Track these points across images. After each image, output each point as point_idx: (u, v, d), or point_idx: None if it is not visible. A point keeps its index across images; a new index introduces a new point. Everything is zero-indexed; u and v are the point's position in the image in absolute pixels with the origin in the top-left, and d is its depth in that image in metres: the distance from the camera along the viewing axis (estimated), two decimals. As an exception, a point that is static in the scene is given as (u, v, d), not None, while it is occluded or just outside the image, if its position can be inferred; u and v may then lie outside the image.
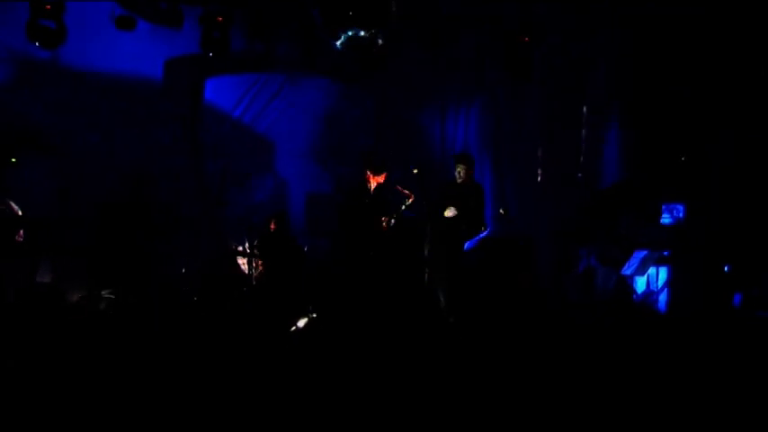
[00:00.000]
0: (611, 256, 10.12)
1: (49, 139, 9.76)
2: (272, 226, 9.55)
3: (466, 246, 9.25)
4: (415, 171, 8.90)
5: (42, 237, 8.67)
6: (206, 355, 6.68)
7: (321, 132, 11.17)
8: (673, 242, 10.30)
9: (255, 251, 9.33)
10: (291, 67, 10.84)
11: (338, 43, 8.53)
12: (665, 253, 10.24)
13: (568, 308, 10.12)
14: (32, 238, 8.51)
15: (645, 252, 9.90)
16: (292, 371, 6.24)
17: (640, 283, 10.35)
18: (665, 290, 10.28)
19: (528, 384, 5.88)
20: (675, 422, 5.08)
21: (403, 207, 8.91)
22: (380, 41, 8.70)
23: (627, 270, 9.92)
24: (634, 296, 10.10)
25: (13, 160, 9.10)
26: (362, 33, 8.41)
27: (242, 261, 9.52)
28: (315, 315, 8.49)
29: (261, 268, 9.31)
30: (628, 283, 10.09)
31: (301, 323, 8.29)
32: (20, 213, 8.50)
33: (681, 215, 10.48)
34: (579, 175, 11.49)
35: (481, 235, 9.24)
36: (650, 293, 10.26)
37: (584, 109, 11.67)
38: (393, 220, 8.93)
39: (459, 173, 9.21)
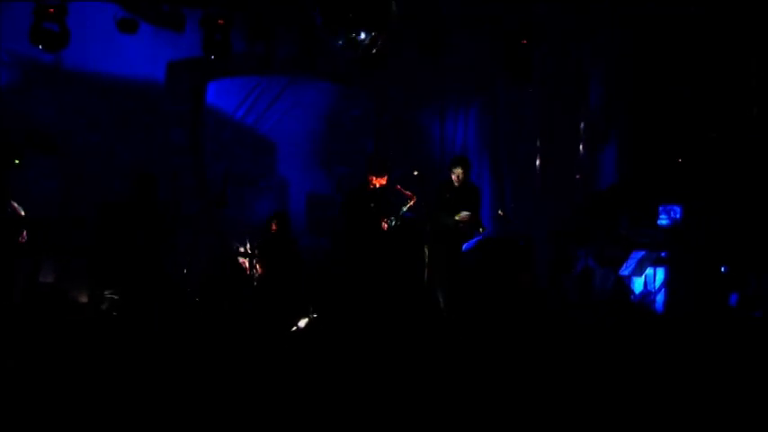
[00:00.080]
0: (609, 256, 10.16)
1: (52, 140, 9.84)
2: (274, 227, 9.56)
3: (464, 247, 9.27)
4: (416, 173, 8.96)
5: (45, 237, 8.75)
6: (208, 355, 6.68)
7: (322, 133, 11.23)
8: (670, 243, 10.28)
9: (256, 252, 9.37)
10: (292, 68, 10.89)
11: (339, 45, 8.53)
12: (663, 254, 10.25)
13: (568, 308, 10.13)
14: (35, 238, 8.55)
15: (642, 253, 9.98)
16: (293, 370, 6.24)
17: (638, 284, 10.34)
18: (662, 290, 10.26)
19: (527, 383, 5.87)
20: (673, 421, 5.07)
21: (405, 208, 8.93)
22: (380, 43, 8.70)
23: (624, 270, 9.97)
24: (631, 296, 10.12)
25: (17, 161, 9.14)
26: (363, 35, 8.40)
27: (243, 261, 9.56)
28: (315, 315, 8.48)
29: (260, 270, 9.34)
30: (625, 283, 10.12)
31: (302, 323, 8.27)
32: (23, 214, 8.52)
33: (678, 216, 10.48)
34: (577, 176, 11.53)
35: (480, 237, 9.26)
36: (647, 294, 10.23)
37: (583, 110, 11.70)
38: (394, 222, 8.96)
39: (458, 176, 9.21)
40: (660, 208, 10.53)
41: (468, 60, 11.38)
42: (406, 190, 8.89)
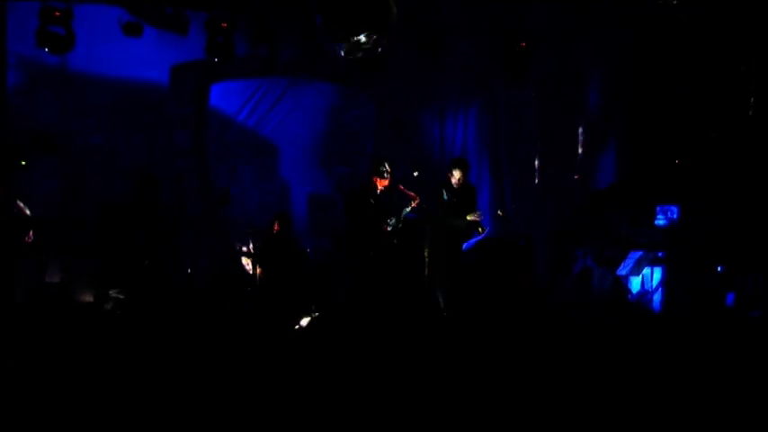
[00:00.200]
0: (607, 256, 10.20)
1: (56, 141, 9.90)
2: (276, 227, 9.62)
3: (464, 247, 9.33)
4: (416, 174, 9.04)
5: (51, 237, 8.78)
6: (210, 354, 6.71)
7: (322, 134, 11.24)
8: (667, 243, 10.36)
9: (258, 252, 9.46)
10: (294, 70, 10.91)
11: (340, 49, 8.54)
12: (660, 254, 10.33)
13: (567, 308, 10.15)
14: (41, 238, 8.59)
15: (640, 253, 10.03)
16: (296, 368, 6.27)
17: (635, 284, 10.42)
18: (660, 290, 10.35)
19: (526, 383, 5.90)
20: (670, 419, 5.11)
21: (407, 209, 8.98)
22: (381, 46, 8.71)
23: (622, 270, 10.03)
24: (629, 296, 10.19)
25: (23, 163, 9.22)
26: (364, 39, 8.40)
27: (246, 261, 9.62)
28: (317, 314, 8.52)
29: (260, 271, 9.38)
30: (623, 283, 10.17)
31: (304, 322, 8.31)
32: (28, 214, 8.55)
33: (675, 216, 10.53)
34: (576, 177, 11.58)
35: (480, 237, 9.32)
36: (645, 293, 10.30)
37: (583, 110, 11.74)
38: (395, 223, 9.02)
39: (458, 179, 9.29)
40: (657, 208, 10.59)
41: (468, 61, 11.38)
42: (409, 191, 8.96)
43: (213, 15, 10.03)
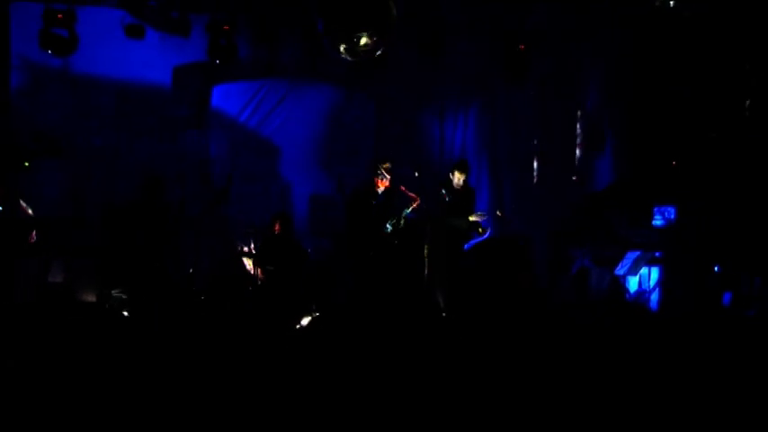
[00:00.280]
0: (605, 256, 10.23)
1: (60, 143, 9.96)
2: (277, 227, 9.63)
3: (464, 247, 9.39)
4: (416, 174, 9.11)
5: (54, 237, 8.84)
6: (212, 353, 6.76)
7: (323, 134, 11.25)
8: (664, 243, 10.41)
9: (259, 252, 9.50)
10: (295, 72, 10.95)
11: (340, 52, 8.57)
12: (657, 254, 10.37)
13: (566, 308, 10.16)
14: (45, 238, 8.67)
15: (637, 253, 10.07)
16: (296, 367, 6.25)
17: (633, 283, 10.46)
18: (657, 289, 10.40)
19: (525, 382, 5.88)
20: (668, 418, 5.12)
21: (408, 210, 9.04)
22: (382, 48, 8.73)
23: (620, 270, 10.07)
24: (627, 296, 10.24)
25: (27, 164, 9.30)
26: (364, 41, 8.43)
27: (247, 261, 9.66)
28: (318, 314, 8.59)
29: (259, 272, 9.41)
30: (621, 282, 10.22)
31: (305, 321, 8.37)
32: (31, 213, 8.63)
33: (672, 217, 10.57)
34: (574, 177, 11.63)
35: (480, 238, 9.37)
36: (642, 293, 10.35)
37: (582, 110, 11.77)
38: (395, 223, 9.07)
39: (459, 181, 9.35)
40: (655, 208, 10.63)
41: (467, 61, 11.37)
42: (409, 191, 9.01)
43: (215, 18, 10.10)
